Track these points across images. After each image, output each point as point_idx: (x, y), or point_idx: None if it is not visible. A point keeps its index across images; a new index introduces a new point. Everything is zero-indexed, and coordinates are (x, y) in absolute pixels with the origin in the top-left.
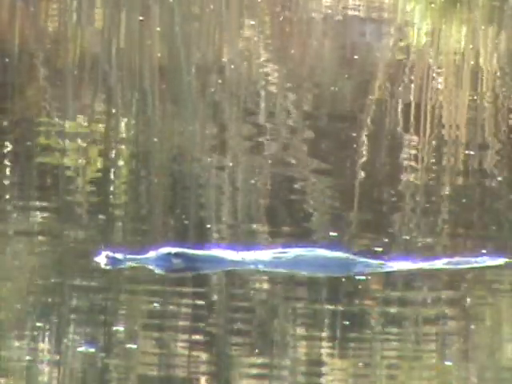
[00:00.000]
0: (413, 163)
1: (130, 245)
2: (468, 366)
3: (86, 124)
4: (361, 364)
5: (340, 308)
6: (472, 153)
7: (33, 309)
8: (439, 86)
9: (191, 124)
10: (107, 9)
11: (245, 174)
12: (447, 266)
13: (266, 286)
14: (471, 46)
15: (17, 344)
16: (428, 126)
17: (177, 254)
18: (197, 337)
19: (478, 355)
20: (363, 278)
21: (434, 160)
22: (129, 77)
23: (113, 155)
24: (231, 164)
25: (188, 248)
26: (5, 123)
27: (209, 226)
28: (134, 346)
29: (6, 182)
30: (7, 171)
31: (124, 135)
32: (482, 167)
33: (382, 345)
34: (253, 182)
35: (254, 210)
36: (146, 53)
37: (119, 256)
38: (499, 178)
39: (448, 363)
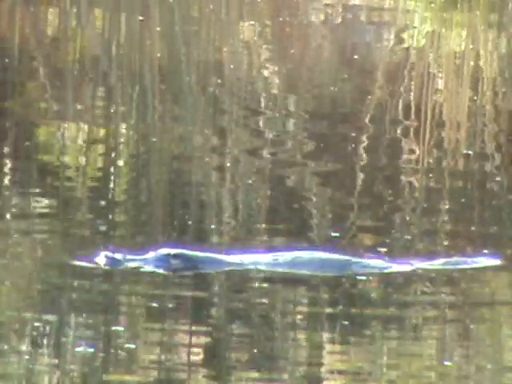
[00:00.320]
0: (413, 163)
1: (130, 245)
2: (468, 366)
3: (86, 124)
4: (360, 364)
5: (340, 308)
6: (472, 153)
7: (32, 309)
8: (439, 87)
9: (191, 124)
10: (107, 9)
11: (244, 175)
12: (446, 267)
13: (265, 285)
14: (471, 47)
15: (15, 345)
16: (428, 126)
17: (176, 255)
18: (196, 337)
19: (478, 355)
20: (363, 278)
21: (433, 160)
22: (129, 77)
23: (113, 155)
24: (231, 164)
25: (187, 249)
26: (5, 123)
27: (208, 226)
28: (133, 346)
29: (6, 182)
30: (7, 171)
31: (124, 135)
32: (482, 168)
33: (381, 345)
34: (252, 182)
35: (254, 210)
36: (146, 53)
37: (118, 256)
38: (499, 179)
39: (447, 363)
